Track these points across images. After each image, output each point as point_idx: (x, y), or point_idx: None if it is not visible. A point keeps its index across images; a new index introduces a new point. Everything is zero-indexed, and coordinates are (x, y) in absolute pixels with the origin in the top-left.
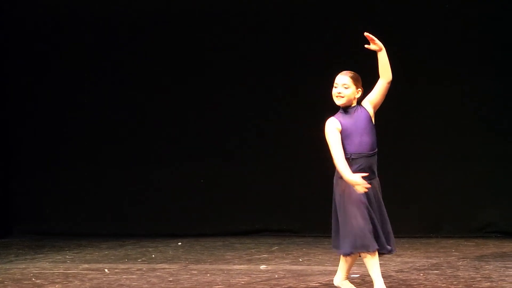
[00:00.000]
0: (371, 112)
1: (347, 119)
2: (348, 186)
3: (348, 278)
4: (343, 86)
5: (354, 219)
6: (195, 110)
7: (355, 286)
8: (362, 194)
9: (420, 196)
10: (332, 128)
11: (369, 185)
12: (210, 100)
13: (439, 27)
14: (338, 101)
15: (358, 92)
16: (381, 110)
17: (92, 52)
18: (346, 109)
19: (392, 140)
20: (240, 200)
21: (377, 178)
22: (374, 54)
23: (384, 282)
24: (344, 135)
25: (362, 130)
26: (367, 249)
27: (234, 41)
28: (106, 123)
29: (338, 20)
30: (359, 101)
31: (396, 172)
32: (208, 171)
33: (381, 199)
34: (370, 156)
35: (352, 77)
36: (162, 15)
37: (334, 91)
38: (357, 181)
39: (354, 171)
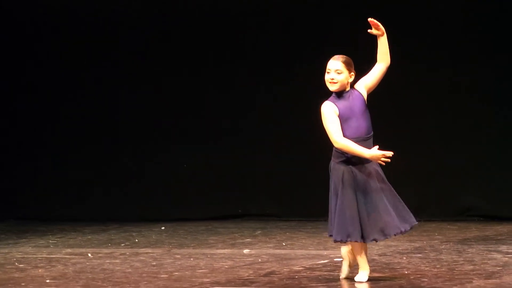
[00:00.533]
0: (365, 95)
1: (343, 103)
2: (346, 172)
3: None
4: (336, 72)
5: (348, 209)
6: (178, 97)
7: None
8: (354, 181)
9: (402, 179)
10: (331, 111)
11: (390, 153)
12: (192, 87)
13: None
14: (332, 87)
15: (351, 77)
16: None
17: (76, 45)
18: (340, 94)
19: (378, 124)
20: (223, 185)
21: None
22: (370, 41)
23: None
24: (342, 120)
25: (358, 114)
26: (355, 239)
27: (210, 28)
28: (89, 110)
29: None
30: (352, 84)
31: None
32: (191, 156)
33: (381, 182)
34: (367, 140)
35: (344, 62)
36: (144, 9)
37: (327, 77)
38: (377, 155)
39: (350, 155)
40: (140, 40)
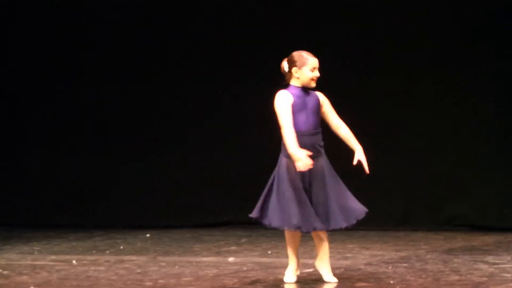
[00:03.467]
0: (320, 104)
1: (300, 96)
2: (291, 164)
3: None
4: (318, 70)
5: (286, 199)
6: (162, 102)
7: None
8: (299, 173)
9: (389, 189)
10: (285, 100)
11: (310, 166)
12: (175, 93)
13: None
14: (314, 84)
15: None
16: (351, 103)
17: (58, 48)
18: (306, 88)
19: (361, 133)
20: (208, 192)
21: (324, 156)
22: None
23: (353, 275)
24: (293, 111)
25: (310, 110)
26: (290, 228)
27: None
28: (73, 115)
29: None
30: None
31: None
32: (176, 163)
33: (329, 175)
34: (314, 135)
35: None
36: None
37: (313, 75)
38: (301, 157)
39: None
40: (109, 34)
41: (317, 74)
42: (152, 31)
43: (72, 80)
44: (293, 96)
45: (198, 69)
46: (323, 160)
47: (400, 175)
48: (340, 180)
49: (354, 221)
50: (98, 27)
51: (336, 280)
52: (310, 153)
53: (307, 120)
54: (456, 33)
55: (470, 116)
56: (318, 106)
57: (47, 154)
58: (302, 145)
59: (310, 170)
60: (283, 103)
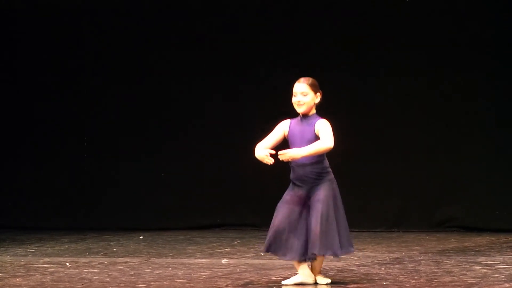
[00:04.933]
0: (317, 132)
1: (297, 127)
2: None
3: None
4: (302, 94)
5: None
6: (156, 104)
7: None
8: (292, 197)
9: (382, 190)
10: (279, 126)
11: (270, 161)
12: (169, 95)
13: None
14: (299, 109)
15: (317, 97)
16: (347, 104)
17: (55, 49)
18: (304, 116)
19: (354, 135)
20: (201, 194)
21: (325, 183)
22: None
23: (346, 276)
24: (289, 140)
25: (303, 140)
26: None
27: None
28: (67, 117)
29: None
30: (320, 107)
31: (358, 167)
32: (169, 165)
33: (324, 203)
34: (306, 166)
35: (310, 84)
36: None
37: (294, 100)
38: (260, 156)
39: (293, 178)
40: (104, 34)
41: (297, 98)
42: (148, 31)
43: (66, 85)
44: (290, 126)
45: (192, 72)
46: (324, 188)
47: (393, 177)
48: (334, 211)
49: (327, 253)
50: (95, 27)
51: (329, 280)
52: (270, 161)
53: None
54: (453, 31)
55: (464, 119)
56: (313, 136)
57: (40, 156)
58: (295, 175)
59: (305, 199)
60: (277, 127)
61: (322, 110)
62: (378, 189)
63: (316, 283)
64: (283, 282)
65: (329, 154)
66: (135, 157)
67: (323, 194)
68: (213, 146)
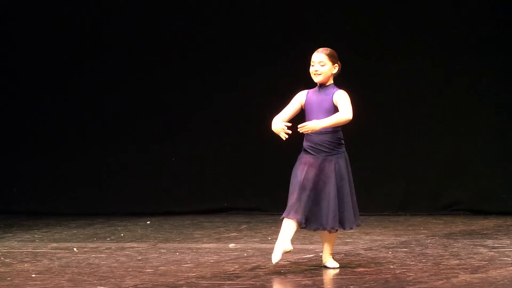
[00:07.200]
0: (335, 102)
1: (315, 97)
2: (304, 158)
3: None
4: (320, 64)
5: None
6: (164, 90)
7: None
8: (305, 167)
9: (388, 174)
10: (296, 96)
11: (287, 132)
12: (176, 80)
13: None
14: (316, 79)
15: (335, 68)
16: (351, 89)
17: (59, 40)
18: (321, 86)
19: (361, 120)
20: (209, 179)
21: (340, 155)
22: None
23: (353, 260)
24: (306, 110)
25: (321, 110)
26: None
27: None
28: (73, 103)
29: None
30: (338, 77)
31: (365, 151)
32: (176, 150)
33: (337, 176)
34: (322, 134)
35: (328, 54)
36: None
37: (312, 69)
38: (277, 129)
39: (306, 146)
40: (105, 27)
41: (314, 68)
42: (149, 24)
43: (72, 70)
44: (308, 95)
45: (200, 58)
46: (336, 161)
47: (399, 160)
48: (348, 185)
49: (336, 226)
50: (95, 22)
51: (337, 265)
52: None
53: (316, 119)
54: (456, 15)
55: (470, 102)
56: (331, 105)
57: (47, 142)
58: (310, 141)
59: (319, 169)
60: (294, 97)
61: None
62: (384, 172)
63: (325, 266)
64: (273, 260)
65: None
66: (142, 143)
67: (338, 168)
68: (221, 131)
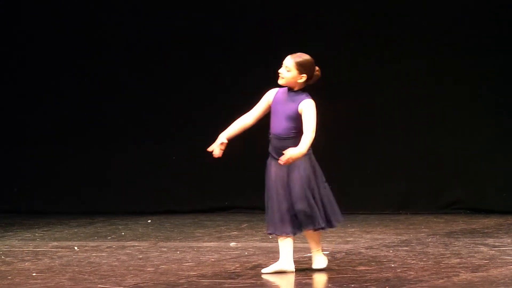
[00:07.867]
0: (300, 111)
1: (282, 99)
2: (272, 165)
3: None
4: (286, 68)
5: (271, 201)
6: (162, 87)
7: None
8: (274, 175)
9: (389, 172)
10: (265, 96)
11: (217, 153)
12: (176, 80)
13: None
14: (279, 81)
15: (301, 78)
16: (351, 85)
17: (59, 39)
18: (290, 89)
19: (360, 117)
20: (209, 177)
21: (305, 157)
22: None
23: (354, 259)
24: (271, 110)
25: (284, 116)
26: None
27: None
28: (74, 102)
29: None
30: (310, 88)
31: (365, 149)
32: (177, 148)
33: (305, 179)
34: (282, 139)
35: (297, 62)
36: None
37: (279, 70)
38: (214, 143)
39: (271, 151)
40: (104, 28)
41: (280, 70)
42: (149, 24)
43: (73, 69)
44: (276, 95)
45: (200, 58)
46: (300, 166)
47: (400, 158)
48: (317, 186)
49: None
50: (95, 22)
51: (324, 265)
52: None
53: (277, 124)
54: (456, 15)
55: (471, 100)
56: (296, 113)
57: (47, 140)
58: (273, 146)
59: (287, 175)
60: (263, 96)
61: (324, 90)
62: (385, 171)
63: (311, 269)
64: (262, 270)
65: (338, 136)
66: (143, 141)
67: (303, 168)
68: (221, 129)
